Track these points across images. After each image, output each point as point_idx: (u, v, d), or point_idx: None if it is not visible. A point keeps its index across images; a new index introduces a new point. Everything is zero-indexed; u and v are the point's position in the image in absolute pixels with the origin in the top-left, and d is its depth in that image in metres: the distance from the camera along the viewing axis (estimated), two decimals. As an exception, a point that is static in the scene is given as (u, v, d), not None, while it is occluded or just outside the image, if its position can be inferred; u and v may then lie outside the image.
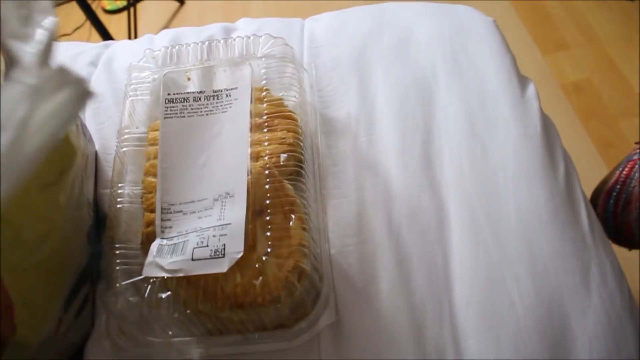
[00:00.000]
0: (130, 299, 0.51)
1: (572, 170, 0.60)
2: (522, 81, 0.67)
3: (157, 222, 0.53)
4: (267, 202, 0.51)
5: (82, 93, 0.37)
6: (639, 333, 0.52)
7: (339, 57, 0.72)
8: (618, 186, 0.69)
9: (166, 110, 0.58)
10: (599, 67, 1.61)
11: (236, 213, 0.50)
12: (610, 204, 0.70)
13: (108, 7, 2.31)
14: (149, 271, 0.50)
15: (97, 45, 0.83)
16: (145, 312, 0.50)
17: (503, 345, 0.51)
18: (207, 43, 0.65)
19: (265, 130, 0.57)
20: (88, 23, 1.81)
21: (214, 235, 0.49)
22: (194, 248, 0.49)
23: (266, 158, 0.54)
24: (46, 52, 0.38)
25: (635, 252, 0.76)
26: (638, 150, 0.70)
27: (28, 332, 0.44)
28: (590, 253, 0.55)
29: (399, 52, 0.71)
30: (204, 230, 0.50)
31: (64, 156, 0.51)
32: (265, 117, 0.58)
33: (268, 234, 0.50)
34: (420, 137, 0.63)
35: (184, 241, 0.50)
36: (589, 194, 0.72)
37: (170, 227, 0.53)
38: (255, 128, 0.57)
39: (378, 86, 0.68)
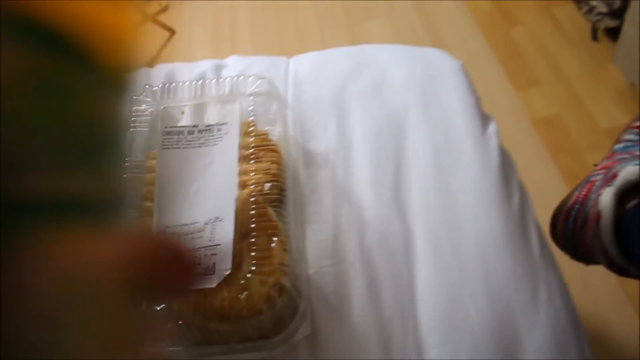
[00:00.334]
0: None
1: (526, 200, 0.67)
2: (484, 120, 0.74)
3: (153, 242, 0.59)
4: (252, 225, 0.57)
5: None
6: (580, 345, 0.58)
7: (320, 95, 0.79)
8: (577, 206, 0.72)
9: (164, 142, 0.65)
10: (567, 103, 1.70)
11: (225, 235, 0.56)
12: (569, 222, 0.73)
13: None
14: (145, 286, 0.55)
15: None
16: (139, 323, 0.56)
17: (461, 355, 0.57)
18: (200, 81, 0.72)
19: (251, 161, 0.63)
20: None
21: (205, 255, 0.55)
22: (186, 265, 0.55)
23: (252, 187, 0.61)
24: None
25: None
26: (595, 172, 0.73)
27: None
28: (539, 274, 0.61)
29: (375, 92, 0.78)
30: (196, 250, 0.56)
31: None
32: (252, 149, 0.64)
33: (253, 254, 0.56)
34: (391, 170, 0.70)
35: (178, 260, 0.56)
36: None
37: (165, 247, 0.59)
38: (242, 159, 0.63)
39: (355, 123, 0.75)
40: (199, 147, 0.64)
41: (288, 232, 0.60)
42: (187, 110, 0.70)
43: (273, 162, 0.64)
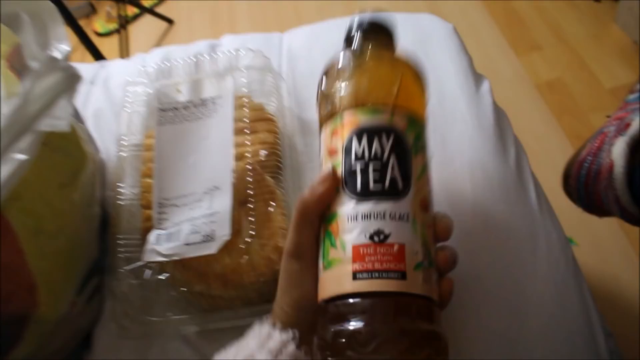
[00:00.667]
0: (132, 282, 0.58)
1: (522, 155, 0.67)
2: (477, 79, 0.74)
3: (155, 215, 0.60)
4: (250, 192, 0.58)
5: (70, 75, 0.48)
6: (582, 295, 0.59)
7: (314, 67, 0.78)
8: (590, 157, 0.71)
9: (160, 119, 0.66)
10: (570, 65, 1.69)
11: (223, 203, 0.58)
12: (582, 174, 0.73)
13: (100, 30, 2.39)
14: (148, 257, 0.57)
15: (93, 65, 0.91)
16: (146, 293, 0.57)
17: (464, 309, 0.57)
18: (194, 59, 0.73)
19: (247, 132, 0.64)
20: (81, 46, 1.89)
21: (204, 222, 0.57)
22: (187, 234, 0.56)
23: (249, 156, 0.61)
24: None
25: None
26: (609, 124, 0.73)
27: (47, 309, 0.51)
28: (538, 226, 0.61)
29: (367, 59, 0.78)
30: (195, 219, 0.57)
31: (77, 160, 0.59)
32: (247, 121, 0.65)
33: (251, 219, 0.57)
34: None
35: (179, 230, 0.57)
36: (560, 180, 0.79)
37: (166, 219, 0.60)
38: (238, 131, 0.64)
39: (349, 90, 0.75)
40: (195, 121, 0.65)
41: (286, 198, 0.61)
42: (183, 88, 0.72)
43: (269, 131, 0.65)
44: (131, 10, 2.31)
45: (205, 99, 0.67)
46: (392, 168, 0.46)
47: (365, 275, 0.42)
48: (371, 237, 0.43)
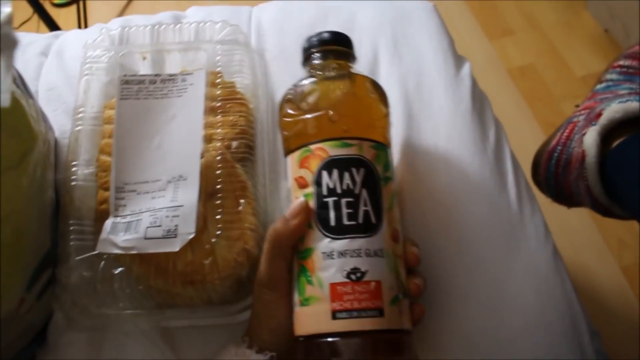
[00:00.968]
0: (84, 273, 0.53)
1: (502, 141, 0.65)
2: (458, 61, 0.71)
3: (111, 200, 0.55)
4: (219, 186, 0.54)
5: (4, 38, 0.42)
6: (565, 292, 0.57)
7: (285, 45, 0.74)
8: (559, 147, 0.71)
9: (122, 92, 0.60)
10: (542, 52, 1.68)
11: (189, 195, 0.53)
12: (552, 164, 0.72)
13: (56, 1, 2.22)
14: (103, 247, 0.52)
15: (47, 35, 0.83)
16: (98, 286, 0.53)
17: (438, 309, 0.55)
18: (162, 26, 0.66)
19: (218, 114, 0.59)
20: (36, 16, 1.77)
21: (166, 216, 0.52)
22: (147, 227, 0.51)
23: (218, 143, 0.57)
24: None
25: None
26: (578, 113, 0.72)
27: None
28: (516, 219, 0.59)
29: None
30: (157, 211, 0.53)
31: (25, 140, 0.52)
32: (219, 101, 0.60)
33: (218, 217, 0.53)
34: None
35: (138, 220, 0.53)
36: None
37: (124, 205, 0.55)
38: (208, 111, 0.59)
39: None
40: (162, 98, 0.60)
41: (257, 193, 0.57)
42: (148, 56, 0.65)
43: (241, 115, 0.60)
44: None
45: (174, 75, 0.61)
46: (365, 202, 0.47)
47: (344, 315, 0.44)
48: (348, 276, 0.44)
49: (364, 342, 0.43)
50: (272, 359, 0.46)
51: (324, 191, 0.47)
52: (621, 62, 0.74)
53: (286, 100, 0.53)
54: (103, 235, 0.53)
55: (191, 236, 0.50)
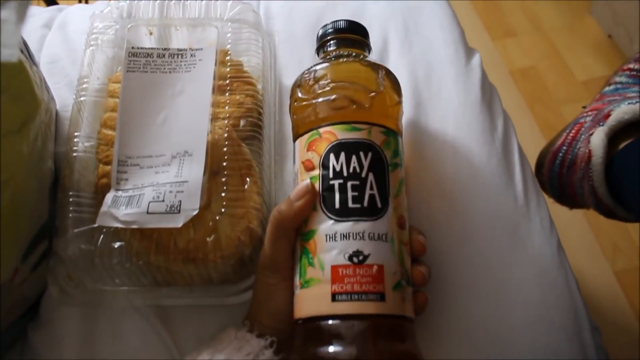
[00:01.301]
0: (82, 246, 0.52)
1: (510, 134, 0.64)
2: (469, 52, 0.70)
3: (113, 173, 0.54)
4: (225, 163, 0.53)
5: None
6: (568, 286, 0.56)
7: (293, 29, 0.73)
8: (564, 147, 0.71)
9: (129, 64, 0.58)
10: (543, 55, 1.68)
11: (194, 172, 0.52)
12: (556, 164, 0.72)
13: None
14: (103, 220, 0.51)
15: (50, 8, 0.82)
16: (96, 260, 0.51)
17: (439, 302, 0.55)
18: (171, 0, 0.65)
19: (227, 93, 0.58)
20: None
21: (170, 191, 0.51)
22: (149, 202, 0.50)
23: (225, 121, 0.56)
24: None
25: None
26: (585, 114, 0.72)
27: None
28: (522, 212, 0.59)
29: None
30: (160, 186, 0.51)
31: (28, 106, 0.51)
32: (227, 80, 0.59)
33: (223, 194, 0.51)
34: None
35: (140, 194, 0.51)
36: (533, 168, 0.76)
37: (126, 179, 0.54)
38: (216, 90, 0.58)
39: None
40: (169, 72, 0.59)
41: (262, 173, 0.56)
42: (155, 30, 0.64)
43: (248, 95, 0.59)
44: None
45: (183, 50, 0.60)
46: (371, 186, 0.46)
47: (344, 297, 0.43)
48: (350, 258, 0.44)
49: (364, 326, 0.42)
50: (272, 344, 0.46)
51: (331, 174, 0.46)
52: (631, 65, 0.74)
53: (298, 85, 0.52)
54: (104, 208, 0.51)
55: (195, 212, 0.49)
